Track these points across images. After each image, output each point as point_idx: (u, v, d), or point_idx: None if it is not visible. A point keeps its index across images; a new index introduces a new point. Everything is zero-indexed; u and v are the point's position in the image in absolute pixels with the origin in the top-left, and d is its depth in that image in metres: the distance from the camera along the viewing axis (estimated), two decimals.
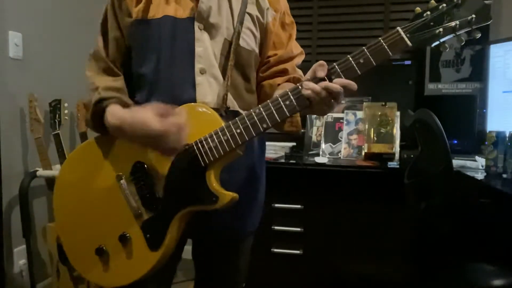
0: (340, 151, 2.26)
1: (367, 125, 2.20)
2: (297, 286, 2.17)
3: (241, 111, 1.09)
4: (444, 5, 0.88)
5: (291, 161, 2.16)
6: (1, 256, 2.01)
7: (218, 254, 1.21)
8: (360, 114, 2.28)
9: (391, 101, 2.21)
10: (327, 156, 2.26)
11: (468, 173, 1.83)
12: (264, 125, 0.96)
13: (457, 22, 0.87)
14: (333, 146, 2.28)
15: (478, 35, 0.88)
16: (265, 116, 0.95)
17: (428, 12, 0.89)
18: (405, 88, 2.40)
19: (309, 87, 0.91)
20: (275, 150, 2.32)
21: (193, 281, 1.32)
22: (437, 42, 0.91)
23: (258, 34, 1.14)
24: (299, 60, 1.21)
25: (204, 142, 0.98)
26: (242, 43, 1.09)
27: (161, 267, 1.04)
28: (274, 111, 0.95)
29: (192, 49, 1.05)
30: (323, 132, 2.32)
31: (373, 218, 2.05)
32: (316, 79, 0.92)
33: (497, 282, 1.53)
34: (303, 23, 2.84)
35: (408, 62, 2.49)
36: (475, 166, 1.94)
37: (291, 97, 0.94)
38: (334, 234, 2.11)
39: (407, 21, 0.90)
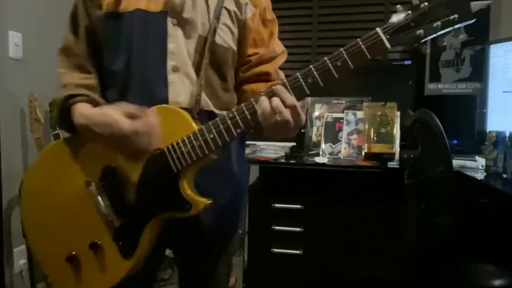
0: (340, 151, 2.26)
1: (367, 125, 2.20)
2: (297, 286, 2.17)
3: (216, 111, 1.04)
4: (426, 3, 0.84)
5: (291, 161, 2.14)
6: (1, 256, 2.01)
7: (198, 261, 1.17)
8: (360, 114, 2.28)
9: (391, 101, 2.20)
10: (327, 156, 2.26)
11: (468, 173, 1.82)
12: (238, 130, 0.91)
13: (439, 23, 0.84)
14: (333, 146, 2.28)
15: (461, 36, 0.86)
16: (239, 120, 0.91)
17: (409, 12, 0.85)
18: (405, 88, 2.39)
19: (261, 106, 0.87)
20: (275, 150, 2.32)
21: None
22: (419, 43, 0.87)
23: (236, 31, 1.09)
24: (281, 60, 1.15)
25: (176, 147, 0.94)
26: (218, 39, 1.04)
27: (138, 273, 1.01)
28: (248, 116, 0.90)
29: (164, 45, 1.00)
30: (323, 132, 2.32)
31: (373, 218, 2.05)
32: (270, 93, 0.88)
33: (497, 282, 1.53)
34: (303, 23, 2.82)
35: (408, 62, 2.49)
36: (475, 166, 1.94)
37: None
38: (334, 234, 2.11)
39: None
